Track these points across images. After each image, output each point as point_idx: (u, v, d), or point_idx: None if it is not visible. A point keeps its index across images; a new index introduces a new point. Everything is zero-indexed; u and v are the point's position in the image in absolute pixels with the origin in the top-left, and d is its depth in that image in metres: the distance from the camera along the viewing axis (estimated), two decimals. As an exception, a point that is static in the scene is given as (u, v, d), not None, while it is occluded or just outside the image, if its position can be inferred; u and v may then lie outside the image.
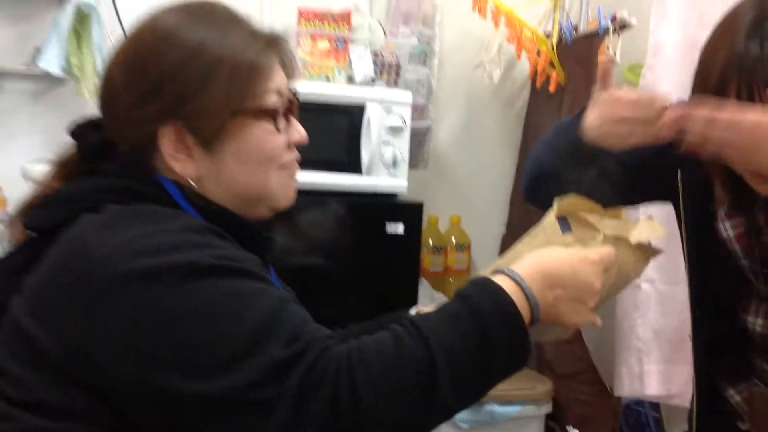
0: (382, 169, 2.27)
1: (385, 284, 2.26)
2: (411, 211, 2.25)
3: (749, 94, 1.11)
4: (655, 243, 1.09)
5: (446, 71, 2.76)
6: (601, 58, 2.28)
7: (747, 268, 1.28)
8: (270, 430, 0.76)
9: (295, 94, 1.00)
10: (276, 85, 0.96)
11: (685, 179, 1.33)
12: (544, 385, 2.44)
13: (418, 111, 2.64)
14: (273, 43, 0.97)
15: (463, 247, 2.70)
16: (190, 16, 0.95)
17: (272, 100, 0.95)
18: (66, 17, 2.19)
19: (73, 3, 2.19)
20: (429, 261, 2.64)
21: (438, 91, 2.74)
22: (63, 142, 0.99)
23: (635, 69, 2.74)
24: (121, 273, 0.80)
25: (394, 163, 2.26)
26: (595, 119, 1.17)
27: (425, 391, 0.78)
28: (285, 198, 0.99)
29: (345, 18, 2.35)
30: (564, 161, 1.20)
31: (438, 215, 2.71)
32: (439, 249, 2.66)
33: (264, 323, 0.79)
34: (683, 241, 1.37)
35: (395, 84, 2.41)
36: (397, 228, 2.23)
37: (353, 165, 2.23)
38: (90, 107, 2.32)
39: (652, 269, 2.30)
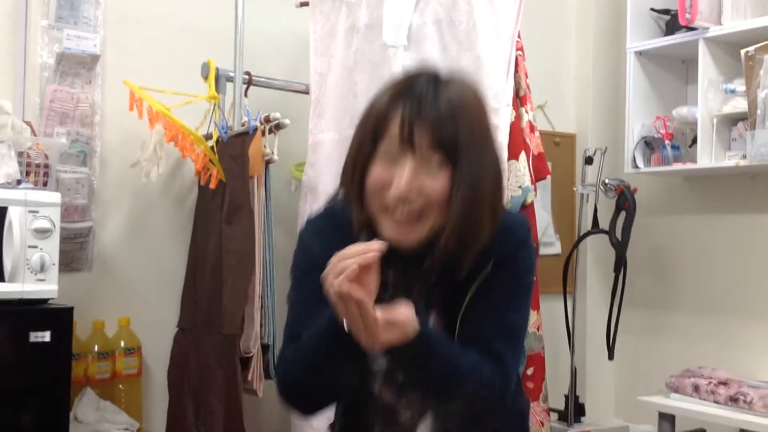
0: (29, 274, 2.14)
1: (37, 398, 2.11)
2: (60, 317, 2.14)
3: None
4: None
5: (110, 170, 2.71)
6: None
7: None
8: None
9: None
10: None
11: None
12: None
13: (78, 212, 2.56)
14: None
15: (133, 350, 2.60)
16: None
17: None
18: None
19: None
20: (95, 368, 2.51)
21: (102, 191, 2.68)
22: None
23: (300, 166, 2.90)
24: None
25: (42, 267, 2.15)
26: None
27: None
28: None
29: (-17, 118, 2.23)
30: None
31: (104, 319, 2.60)
32: (106, 355, 2.54)
33: None
34: None
35: (45, 185, 2.31)
36: (44, 336, 2.10)
37: (-6, 272, 2.09)
38: None
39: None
